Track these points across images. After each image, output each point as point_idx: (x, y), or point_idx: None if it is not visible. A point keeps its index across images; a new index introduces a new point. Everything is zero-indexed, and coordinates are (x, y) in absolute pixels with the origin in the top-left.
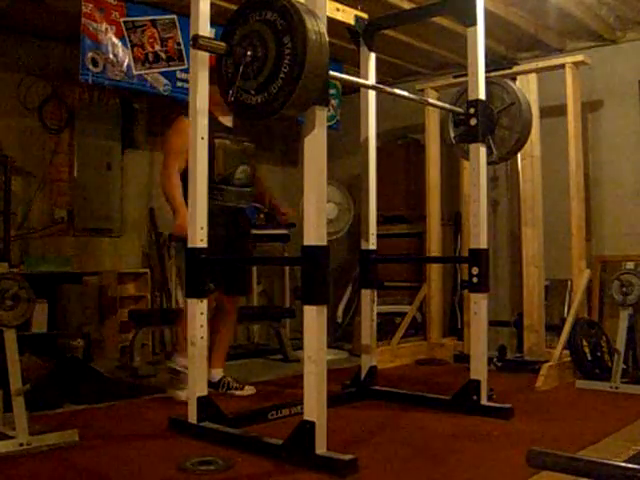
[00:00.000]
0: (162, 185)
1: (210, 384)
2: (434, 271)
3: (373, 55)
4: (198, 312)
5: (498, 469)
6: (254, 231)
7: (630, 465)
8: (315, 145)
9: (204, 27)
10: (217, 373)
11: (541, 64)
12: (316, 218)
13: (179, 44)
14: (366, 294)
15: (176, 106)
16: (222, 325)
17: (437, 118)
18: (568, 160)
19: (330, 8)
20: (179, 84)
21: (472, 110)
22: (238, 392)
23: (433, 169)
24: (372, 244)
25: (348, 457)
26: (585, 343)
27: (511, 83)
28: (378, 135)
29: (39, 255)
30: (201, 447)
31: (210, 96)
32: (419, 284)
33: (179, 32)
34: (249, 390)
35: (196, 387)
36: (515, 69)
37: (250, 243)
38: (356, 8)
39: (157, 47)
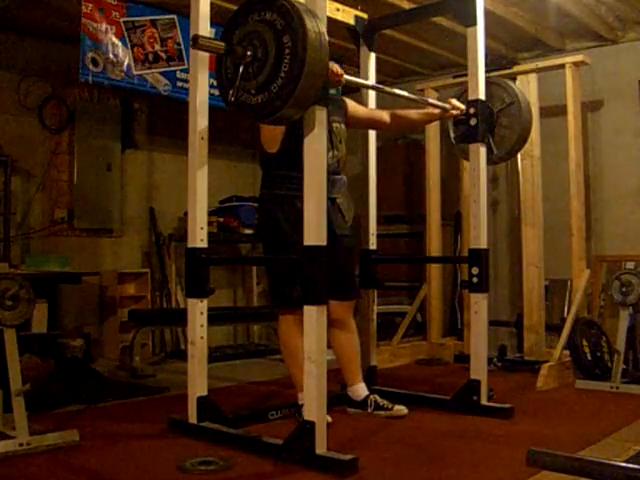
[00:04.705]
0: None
1: (351, 402)
2: (434, 271)
3: (373, 55)
4: (198, 312)
5: (498, 469)
6: (248, 231)
7: (630, 465)
8: (315, 145)
9: (204, 27)
10: (361, 390)
11: (541, 64)
12: (316, 218)
13: (179, 44)
14: (366, 294)
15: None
16: (344, 338)
17: None
18: (568, 160)
19: (330, 8)
20: (179, 84)
21: (472, 110)
22: (387, 413)
23: (433, 169)
24: (372, 244)
25: (348, 457)
26: (585, 343)
27: (511, 83)
28: (378, 135)
29: (39, 255)
30: (201, 447)
31: None
32: (419, 284)
33: (179, 32)
34: (400, 410)
35: (196, 387)
36: (515, 69)
37: (346, 241)
38: (356, 8)
39: (157, 47)
